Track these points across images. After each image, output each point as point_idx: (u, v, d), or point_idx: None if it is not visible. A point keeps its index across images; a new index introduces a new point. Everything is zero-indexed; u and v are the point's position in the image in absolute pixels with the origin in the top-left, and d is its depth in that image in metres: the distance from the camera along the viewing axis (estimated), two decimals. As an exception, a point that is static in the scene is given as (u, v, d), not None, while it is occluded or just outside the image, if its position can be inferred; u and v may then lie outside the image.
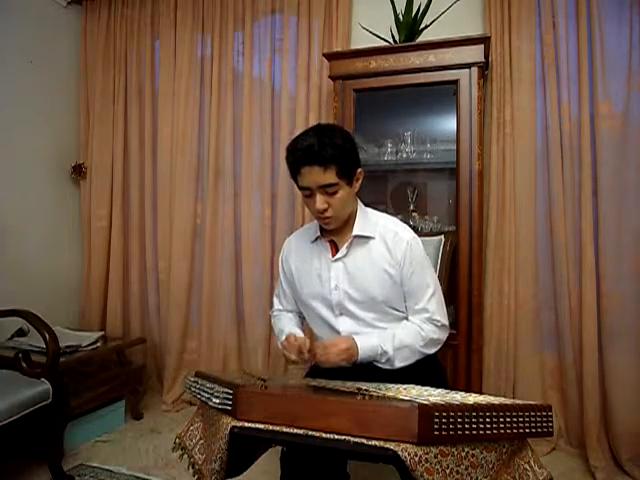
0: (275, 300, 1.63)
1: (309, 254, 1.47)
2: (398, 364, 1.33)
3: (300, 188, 1.34)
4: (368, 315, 1.38)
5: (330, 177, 1.28)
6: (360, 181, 1.39)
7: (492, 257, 2.19)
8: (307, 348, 1.28)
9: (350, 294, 1.38)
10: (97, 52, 2.87)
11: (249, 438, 0.92)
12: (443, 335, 1.41)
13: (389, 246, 1.38)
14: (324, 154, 1.25)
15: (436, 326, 1.38)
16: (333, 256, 1.41)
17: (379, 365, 1.34)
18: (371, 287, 1.36)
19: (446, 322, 1.41)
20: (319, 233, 1.45)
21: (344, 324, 1.40)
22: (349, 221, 1.41)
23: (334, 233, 1.43)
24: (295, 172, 1.32)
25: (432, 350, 1.38)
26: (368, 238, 1.39)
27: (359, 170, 1.37)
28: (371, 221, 1.43)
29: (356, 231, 1.39)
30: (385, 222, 1.44)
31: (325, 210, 1.31)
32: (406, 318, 1.41)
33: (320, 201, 1.30)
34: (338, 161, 1.27)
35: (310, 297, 1.44)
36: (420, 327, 1.36)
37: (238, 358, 2.66)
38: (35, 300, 2.35)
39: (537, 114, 2.17)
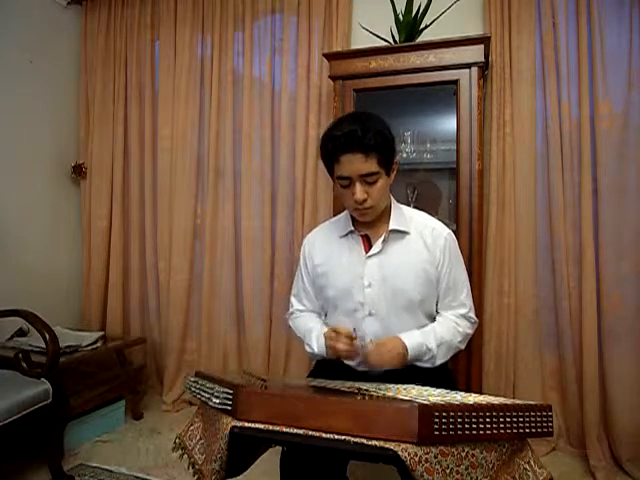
0: (294, 300, 1.54)
1: (338, 249, 1.39)
2: (439, 361, 1.30)
3: (337, 178, 1.28)
4: (397, 318, 1.32)
5: (371, 165, 1.22)
6: (395, 172, 1.33)
7: (492, 257, 2.19)
8: (355, 337, 1.24)
9: (385, 293, 1.31)
10: (97, 52, 2.87)
11: (249, 438, 0.92)
12: (473, 331, 1.41)
13: (427, 242, 1.34)
14: (367, 141, 1.20)
15: (470, 322, 1.39)
16: (366, 252, 1.35)
17: (420, 364, 1.30)
18: (408, 286, 1.31)
19: (477, 318, 1.42)
20: (352, 227, 1.39)
21: (370, 326, 1.33)
22: (384, 215, 1.36)
23: (368, 227, 1.37)
24: (332, 161, 1.26)
25: (464, 346, 1.38)
26: (404, 233, 1.34)
27: (396, 160, 1.31)
28: (406, 216, 1.38)
29: (392, 225, 1.34)
30: (420, 217, 1.40)
31: (364, 200, 1.25)
32: (432, 316, 1.39)
33: (360, 191, 1.24)
34: (380, 149, 1.22)
35: (338, 295, 1.37)
36: (456, 323, 1.35)
37: (238, 358, 2.66)
38: (35, 300, 2.35)
39: (537, 114, 2.17)
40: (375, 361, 1.23)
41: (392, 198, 1.41)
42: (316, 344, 1.36)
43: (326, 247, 1.43)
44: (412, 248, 1.34)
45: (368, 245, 1.37)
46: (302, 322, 1.48)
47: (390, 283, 1.32)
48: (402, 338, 1.26)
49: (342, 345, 1.24)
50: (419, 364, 1.30)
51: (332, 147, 1.25)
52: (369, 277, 1.33)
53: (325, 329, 1.36)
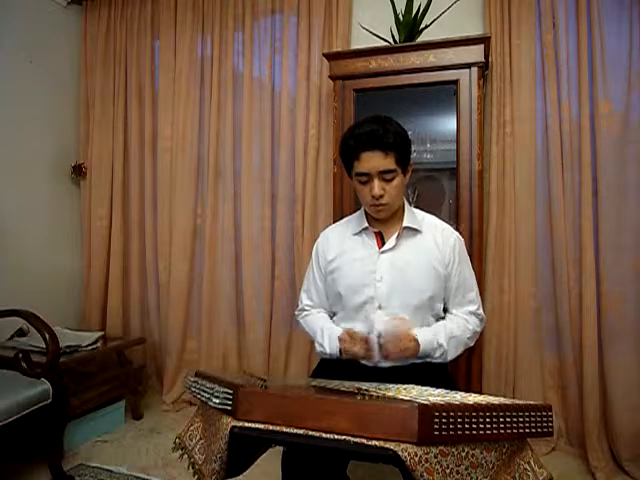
0: (303, 296, 1.58)
1: (351, 245, 1.45)
2: (450, 357, 1.35)
3: (356, 175, 1.35)
4: (406, 313, 1.35)
5: (390, 163, 1.30)
6: (410, 173, 1.41)
7: (492, 257, 2.19)
8: (370, 340, 1.29)
9: (396, 287, 1.36)
10: (97, 52, 2.88)
11: (249, 438, 0.92)
12: (482, 328, 1.46)
13: (438, 241, 1.40)
14: (387, 140, 1.28)
15: (479, 319, 1.43)
16: (379, 248, 1.41)
17: (431, 360, 1.34)
18: (419, 281, 1.36)
19: (484, 315, 1.47)
20: (367, 224, 1.44)
21: (380, 319, 1.35)
22: (397, 214, 1.43)
23: (381, 225, 1.43)
24: (353, 158, 1.33)
25: (473, 343, 1.43)
26: (416, 231, 1.41)
27: (411, 162, 1.39)
28: (417, 216, 1.45)
29: (406, 222, 1.40)
30: (431, 219, 1.47)
31: (381, 196, 1.32)
32: (440, 317, 1.43)
33: (378, 187, 1.31)
34: (398, 148, 1.30)
35: (350, 289, 1.40)
36: (466, 320, 1.40)
37: (238, 358, 2.66)
38: (35, 300, 2.34)
39: (537, 114, 2.17)
40: (391, 353, 1.27)
41: (405, 200, 1.47)
42: (328, 344, 1.39)
43: (340, 243, 1.48)
44: (424, 246, 1.40)
45: (381, 242, 1.43)
46: (312, 320, 1.51)
47: (401, 278, 1.36)
48: (414, 332, 1.31)
49: (359, 348, 1.30)
50: (430, 360, 1.34)
51: (353, 144, 1.32)
52: (381, 272, 1.38)
53: (335, 327, 1.41)
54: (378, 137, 1.28)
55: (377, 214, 1.40)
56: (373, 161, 1.30)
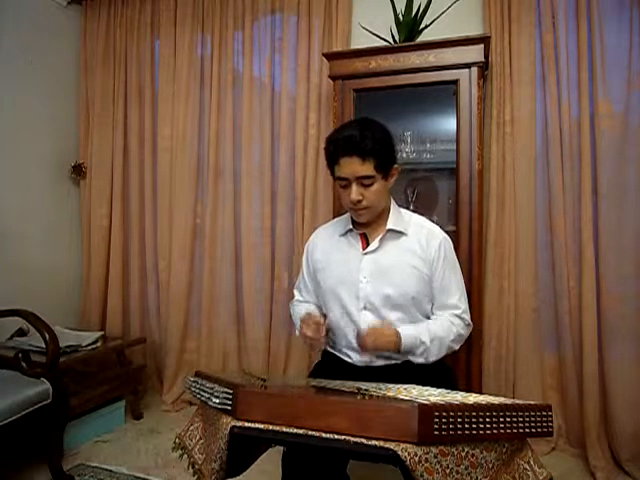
0: (295, 292, 1.63)
1: (337, 246, 1.47)
2: (432, 358, 1.34)
3: (337, 179, 1.36)
4: (392, 313, 1.36)
5: (367, 169, 1.30)
6: (395, 177, 1.41)
7: (492, 257, 2.19)
8: (323, 325, 1.33)
9: (379, 288, 1.36)
10: (97, 52, 2.87)
11: (249, 438, 0.92)
12: (467, 333, 1.44)
13: (422, 243, 1.40)
14: (364, 146, 1.28)
15: (464, 323, 1.42)
16: (364, 249, 1.42)
17: (413, 359, 1.34)
18: (402, 282, 1.36)
19: (471, 322, 1.45)
20: (351, 225, 1.45)
21: (366, 319, 1.37)
22: (382, 216, 1.43)
23: (366, 226, 1.44)
24: (333, 162, 1.35)
25: (458, 346, 1.41)
26: (401, 233, 1.41)
27: (395, 166, 1.38)
28: (404, 218, 1.45)
29: (390, 225, 1.40)
30: (418, 220, 1.46)
31: (359, 201, 1.33)
32: (428, 316, 1.42)
33: (355, 192, 1.32)
34: (377, 154, 1.30)
35: (336, 287, 1.42)
36: (451, 321, 1.39)
37: (238, 358, 2.66)
38: (35, 300, 2.34)
39: (537, 114, 2.17)
40: (369, 343, 1.28)
41: (393, 201, 1.46)
42: (299, 328, 1.44)
43: (327, 244, 1.50)
44: (407, 247, 1.40)
45: (366, 243, 1.43)
46: (298, 309, 1.55)
47: (384, 279, 1.37)
48: (397, 328, 1.32)
49: (309, 331, 1.34)
50: (412, 359, 1.33)
51: (333, 149, 1.34)
52: (365, 272, 1.39)
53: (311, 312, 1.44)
54: (355, 143, 1.28)
55: (357, 218, 1.41)
56: (351, 167, 1.30)
